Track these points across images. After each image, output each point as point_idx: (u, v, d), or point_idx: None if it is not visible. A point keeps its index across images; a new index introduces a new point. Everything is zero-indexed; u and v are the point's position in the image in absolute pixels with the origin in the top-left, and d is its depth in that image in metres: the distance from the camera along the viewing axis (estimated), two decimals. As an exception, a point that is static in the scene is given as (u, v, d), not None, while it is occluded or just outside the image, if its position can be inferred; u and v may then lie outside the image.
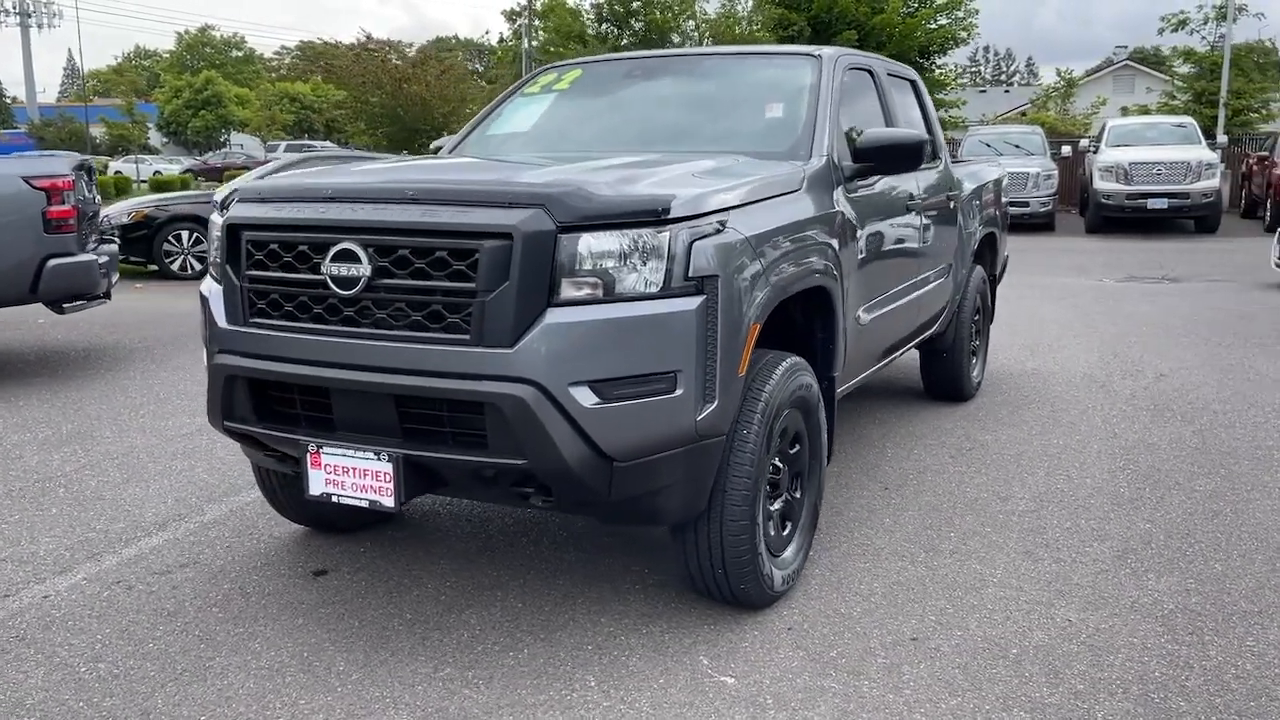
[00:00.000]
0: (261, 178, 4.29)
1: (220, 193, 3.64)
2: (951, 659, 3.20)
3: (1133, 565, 3.89)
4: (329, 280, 3.08)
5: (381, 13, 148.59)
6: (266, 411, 3.35)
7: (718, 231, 3.07)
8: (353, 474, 3.14)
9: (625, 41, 27.54)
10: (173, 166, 46.72)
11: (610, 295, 2.94)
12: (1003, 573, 3.84)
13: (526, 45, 39.44)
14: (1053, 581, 3.76)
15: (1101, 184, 19.21)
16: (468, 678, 3.11)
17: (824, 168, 3.96)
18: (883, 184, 4.48)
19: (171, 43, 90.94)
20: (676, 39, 27.95)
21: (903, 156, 4.14)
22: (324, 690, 3.05)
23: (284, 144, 50.18)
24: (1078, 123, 31.11)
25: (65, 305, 7.06)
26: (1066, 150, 22.36)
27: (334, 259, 3.07)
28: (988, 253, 6.63)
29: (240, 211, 3.32)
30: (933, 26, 26.56)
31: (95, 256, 7.09)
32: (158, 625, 3.47)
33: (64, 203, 6.79)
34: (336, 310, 3.12)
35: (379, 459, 3.09)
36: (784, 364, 3.45)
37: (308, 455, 3.20)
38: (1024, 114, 32.14)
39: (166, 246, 13.01)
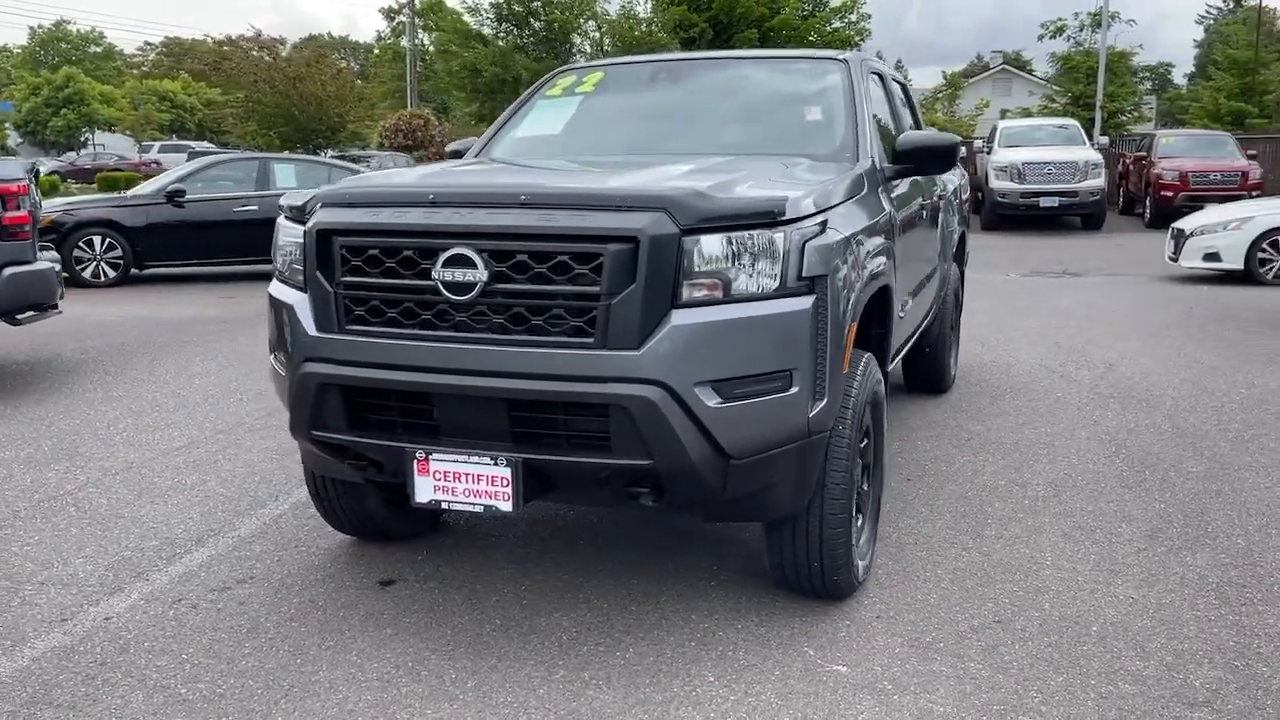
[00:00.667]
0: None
1: (289, 199, 3.52)
2: (1040, 639, 3.36)
3: (1166, 544, 4.13)
4: (440, 286, 3.05)
5: (243, 6, 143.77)
6: (361, 420, 3.30)
7: (821, 232, 3.16)
8: (466, 479, 3.12)
9: (525, 41, 27.44)
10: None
11: (728, 296, 2.99)
12: (1052, 555, 4.03)
13: (410, 44, 38.89)
14: (1101, 561, 3.96)
15: (997, 183, 20.04)
16: (585, 679, 3.13)
17: (872, 169, 4.08)
18: (905, 185, 4.64)
19: (23, 37, 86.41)
20: (577, 39, 28.01)
21: (939, 158, 4.30)
22: (445, 699, 3.03)
23: (158, 144, 48.36)
24: (963, 124, 32.37)
25: (19, 316, 6.72)
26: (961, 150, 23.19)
27: (446, 264, 3.04)
28: (962, 250, 6.90)
29: (330, 217, 3.26)
30: (830, 29, 27.28)
31: (51, 264, 6.77)
32: (242, 642, 3.38)
33: (19, 208, 6.48)
34: (447, 316, 3.09)
35: (497, 464, 3.08)
36: (864, 360, 3.56)
37: (414, 462, 3.17)
38: None
39: (77, 253, 12.46)
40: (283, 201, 3.65)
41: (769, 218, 3.04)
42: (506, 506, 3.10)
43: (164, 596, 3.72)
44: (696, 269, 2.96)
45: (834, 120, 4.36)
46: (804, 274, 3.06)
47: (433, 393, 3.14)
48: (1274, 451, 5.36)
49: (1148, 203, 20.69)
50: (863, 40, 27.94)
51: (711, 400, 2.96)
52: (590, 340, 2.96)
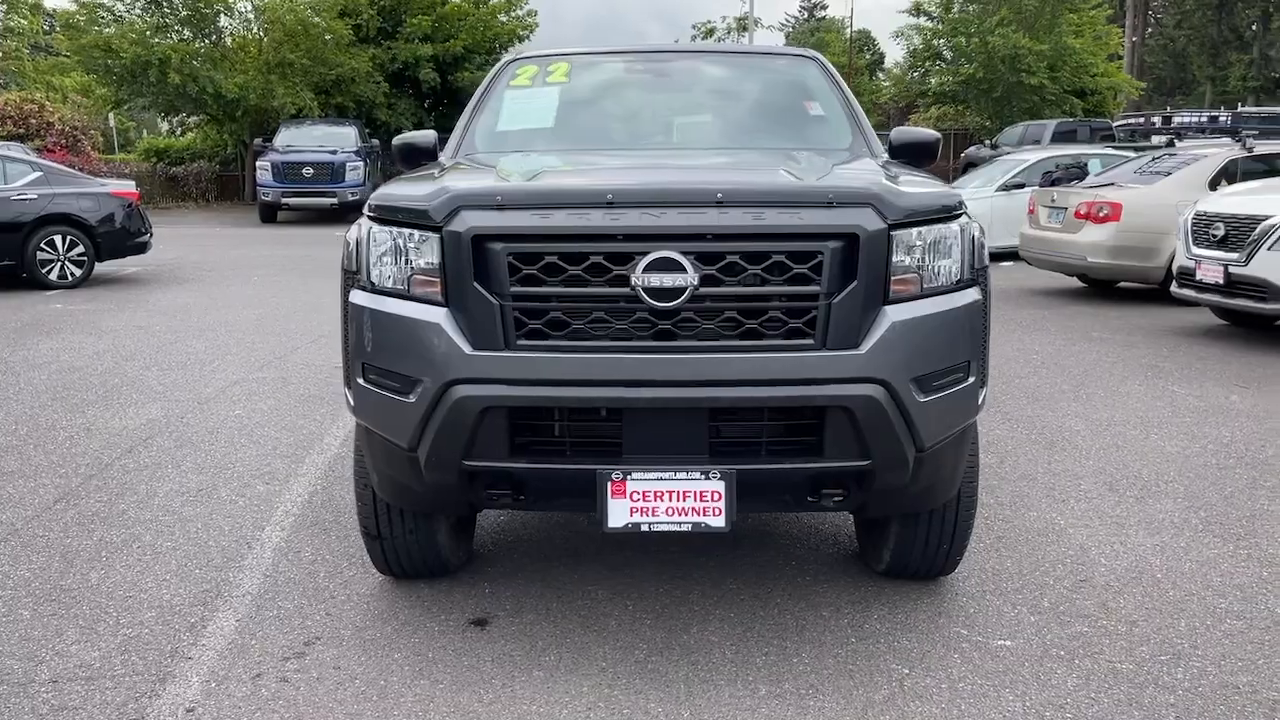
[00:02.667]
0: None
1: (384, 199, 3.04)
2: (1120, 586, 3.69)
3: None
4: (642, 292, 2.83)
5: None
6: (526, 445, 2.99)
7: (970, 224, 3.26)
8: (670, 498, 2.93)
9: (168, 21, 24.99)
10: None
11: (924, 290, 3.03)
12: (1067, 514, 4.41)
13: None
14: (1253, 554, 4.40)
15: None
16: (785, 691, 3.05)
17: (887, 164, 4.24)
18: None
19: None
20: (226, 21, 25.90)
21: (927, 153, 4.51)
22: (677, 734, 2.84)
23: None
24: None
25: None
26: None
27: (649, 269, 2.82)
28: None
29: (489, 221, 2.90)
30: (502, 20, 27.25)
31: None
32: (389, 711, 2.95)
33: None
34: (647, 324, 2.87)
35: (708, 478, 2.91)
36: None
37: (608, 485, 2.92)
38: None
39: None
40: (373, 200, 3.19)
41: (952, 212, 3.10)
42: (719, 522, 2.94)
43: (233, 676, 3.14)
44: (901, 264, 2.97)
45: (835, 115, 4.45)
46: (975, 265, 3.15)
47: (625, 408, 2.90)
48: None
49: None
50: (530, 34, 28.22)
51: (919, 396, 2.98)
52: (810, 341, 2.88)
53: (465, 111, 4.54)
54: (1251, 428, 5.84)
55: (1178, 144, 12.33)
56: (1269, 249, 7.90)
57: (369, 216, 3.18)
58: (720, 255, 2.85)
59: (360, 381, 3.17)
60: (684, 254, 2.83)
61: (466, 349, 2.90)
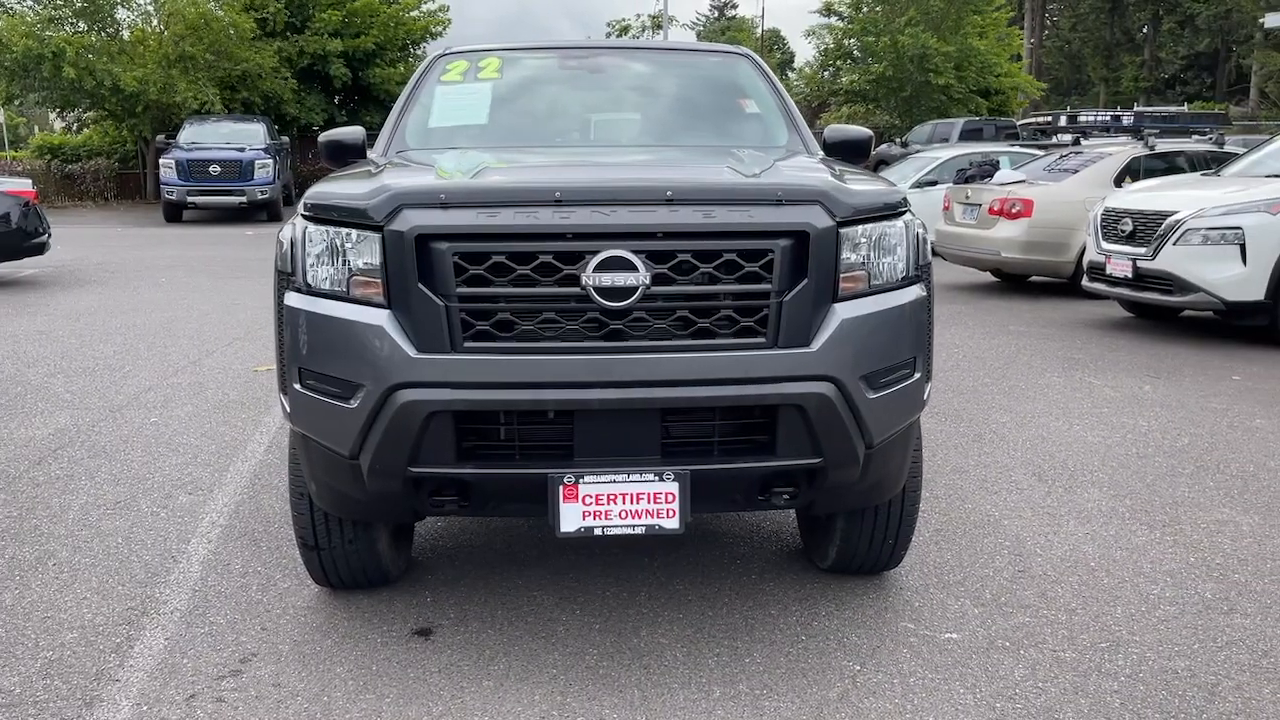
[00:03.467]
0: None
1: (318, 198, 2.92)
2: (1056, 575, 3.76)
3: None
4: (593, 292, 2.78)
5: None
6: (473, 450, 2.91)
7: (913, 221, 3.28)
8: (623, 500, 2.88)
9: (62, 13, 24.02)
10: None
11: (870, 288, 3.03)
12: (1000, 503, 4.48)
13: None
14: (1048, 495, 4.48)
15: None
16: (739, 692, 3.03)
17: (824, 161, 4.25)
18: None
19: None
20: (123, 13, 25.01)
21: (860, 151, 4.54)
22: (635, 740, 2.80)
23: None
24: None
25: None
26: None
27: (599, 268, 2.78)
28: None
29: (433, 220, 2.82)
30: (414, 16, 26.85)
31: None
32: (338, 727, 2.85)
33: None
34: (598, 324, 2.82)
35: (662, 479, 2.87)
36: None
37: (559, 489, 2.86)
38: None
39: None
40: (308, 199, 3.08)
41: (897, 209, 3.11)
42: (673, 524, 2.90)
43: (167, 698, 3.01)
44: (849, 262, 2.97)
45: (770, 113, 4.45)
46: (919, 262, 3.17)
47: (576, 410, 2.85)
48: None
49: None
50: (444, 30, 27.85)
51: (869, 392, 2.98)
52: (762, 340, 2.86)
53: (395, 107, 4.43)
54: (1166, 417, 6.02)
55: (1083, 142, 12.69)
56: (1174, 244, 8.16)
57: (304, 215, 3.07)
58: (671, 254, 2.82)
59: (297, 387, 3.06)
60: (635, 253, 2.79)
61: (411, 352, 2.82)
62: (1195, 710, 2.91)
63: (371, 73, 26.85)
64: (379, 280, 2.89)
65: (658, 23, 31.64)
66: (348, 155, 4.34)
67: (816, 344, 2.88)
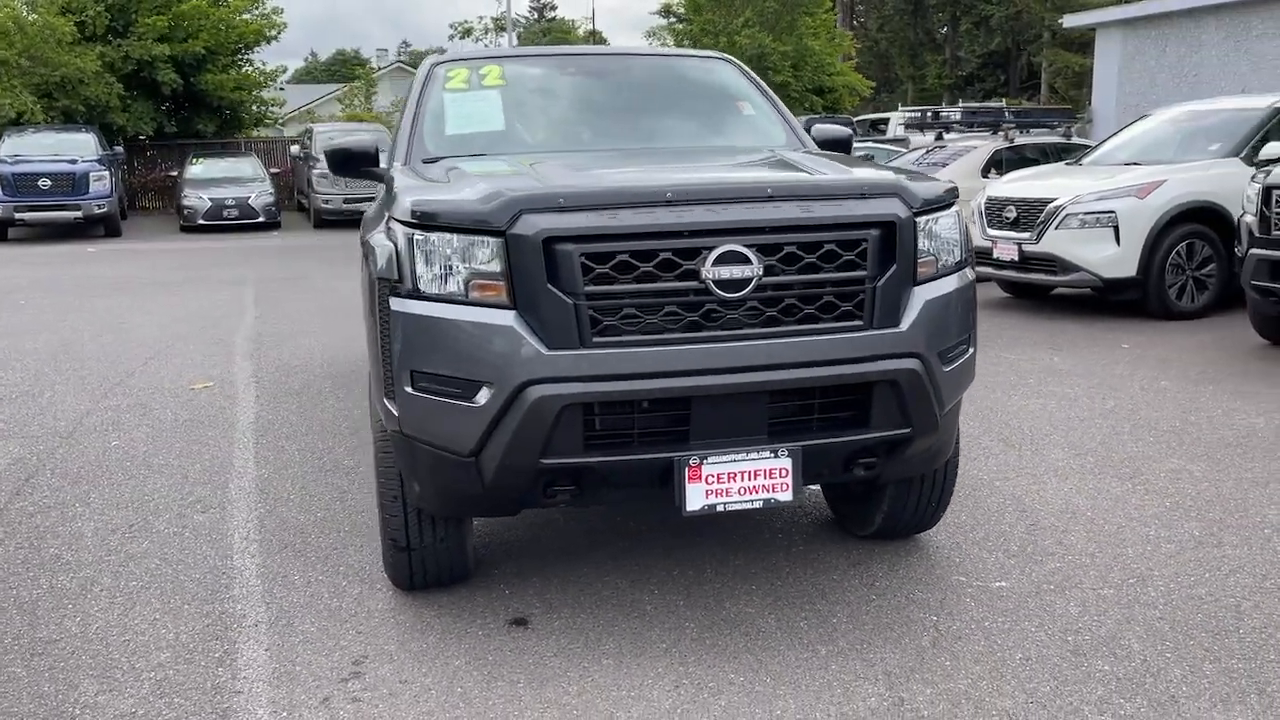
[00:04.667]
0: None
1: (424, 204, 2.96)
2: (1060, 523, 4.20)
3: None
4: (712, 284, 2.99)
5: None
6: (598, 440, 3.07)
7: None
8: (742, 478, 3.10)
9: None
10: None
11: (938, 271, 3.35)
12: (987, 462, 4.90)
13: None
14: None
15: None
16: (842, 648, 3.29)
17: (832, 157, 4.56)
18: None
19: None
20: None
21: (844, 147, 4.89)
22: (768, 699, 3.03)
23: None
24: (383, 119, 32.70)
25: None
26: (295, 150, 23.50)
27: (717, 262, 2.99)
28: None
29: (558, 223, 2.96)
30: (245, 18, 25.90)
31: None
32: (485, 714, 2.96)
33: None
34: (716, 315, 3.03)
35: (776, 456, 3.11)
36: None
37: (685, 470, 3.06)
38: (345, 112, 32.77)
39: None
40: (414, 207, 3.15)
41: (952, 200, 3.44)
42: (786, 496, 3.14)
43: (301, 700, 3.05)
44: (923, 249, 3.28)
45: (765, 113, 4.73)
46: (967, 248, 3.51)
47: (694, 396, 3.05)
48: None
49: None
50: (279, 34, 26.98)
51: (943, 366, 3.30)
52: (860, 322, 3.13)
53: (405, 116, 4.49)
54: (1085, 384, 6.63)
55: (945, 136, 13.54)
56: (1056, 228, 8.90)
57: (408, 223, 3.14)
58: (779, 246, 3.05)
59: (408, 390, 3.14)
60: (747, 246, 3.01)
61: (542, 349, 2.95)
62: (1232, 626, 3.35)
63: (204, 78, 25.77)
64: (502, 283, 3.01)
65: (500, 25, 31.62)
66: (361, 165, 4.39)
67: (904, 324, 3.17)
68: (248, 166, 23.27)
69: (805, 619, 3.48)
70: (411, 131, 4.37)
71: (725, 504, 3.10)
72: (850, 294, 3.13)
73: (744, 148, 4.39)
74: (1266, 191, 7.03)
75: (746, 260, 3.00)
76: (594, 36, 53.61)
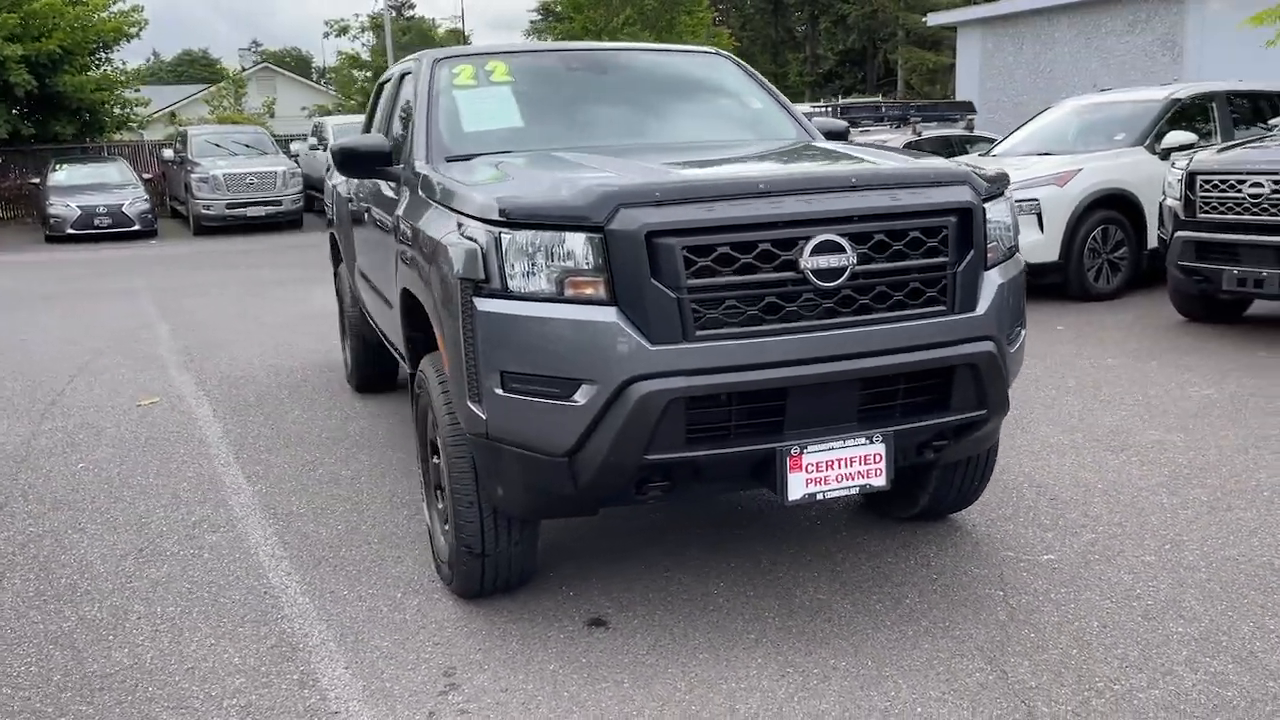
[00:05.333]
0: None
1: (513, 201, 2.86)
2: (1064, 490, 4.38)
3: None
4: (809, 274, 3.02)
5: None
6: (700, 432, 3.06)
7: (992, 199, 3.73)
8: (839, 465, 3.13)
9: None
10: None
11: (1000, 257, 3.46)
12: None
13: None
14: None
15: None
16: (927, 627, 3.36)
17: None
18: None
19: None
20: None
21: (843, 138, 4.98)
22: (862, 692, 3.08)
23: None
24: (255, 119, 31.58)
25: None
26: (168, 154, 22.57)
27: (815, 251, 3.02)
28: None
29: (658, 217, 2.94)
30: (103, 16, 24.64)
31: None
32: (602, 715, 2.92)
33: None
34: (813, 304, 3.06)
35: (871, 442, 3.15)
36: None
37: (787, 460, 3.08)
38: (213, 114, 31.34)
39: None
40: (503, 205, 3.07)
41: (1004, 188, 3.55)
42: (880, 481, 3.19)
43: (406, 715, 2.95)
44: (990, 235, 3.37)
45: (772, 108, 4.78)
46: (1015, 235, 3.62)
47: (791, 386, 3.07)
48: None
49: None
50: (140, 31, 25.74)
51: (1009, 348, 3.41)
52: (943, 308, 3.21)
53: (418, 113, 4.36)
54: (1039, 364, 6.90)
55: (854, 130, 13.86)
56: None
57: (495, 221, 3.07)
58: (869, 235, 3.10)
59: (498, 392, 3.07)
60: (841, 235, 3.04)
61: (646, 345, 2.93)
62: (1275, 584, 3.55)
63: (61, 80, 24.39)
64: (601, 278, 2.97)
65: (377, 23, 30.89)
66: (373, 164, 4.28)
67: (980, 308, 3.26)
68: (115, 172, 22.12)
69: (878, 601, 3.54)
70: (428, 129, 4.25)
71: (824, 492, 3.13)
72: (934, 280, 3.19)
73: (771, 140, 4.43)
74: (1190, 177, 7.44)
75: (841, 249, 3.03)
76: (461, 38, 52.96)
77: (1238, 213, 7.15)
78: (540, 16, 30.70)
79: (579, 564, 3.90)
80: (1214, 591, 3.51)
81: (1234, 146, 7.84)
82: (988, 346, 3.25)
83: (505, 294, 3.04)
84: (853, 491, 3.17)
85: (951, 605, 3.49)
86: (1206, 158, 7.52)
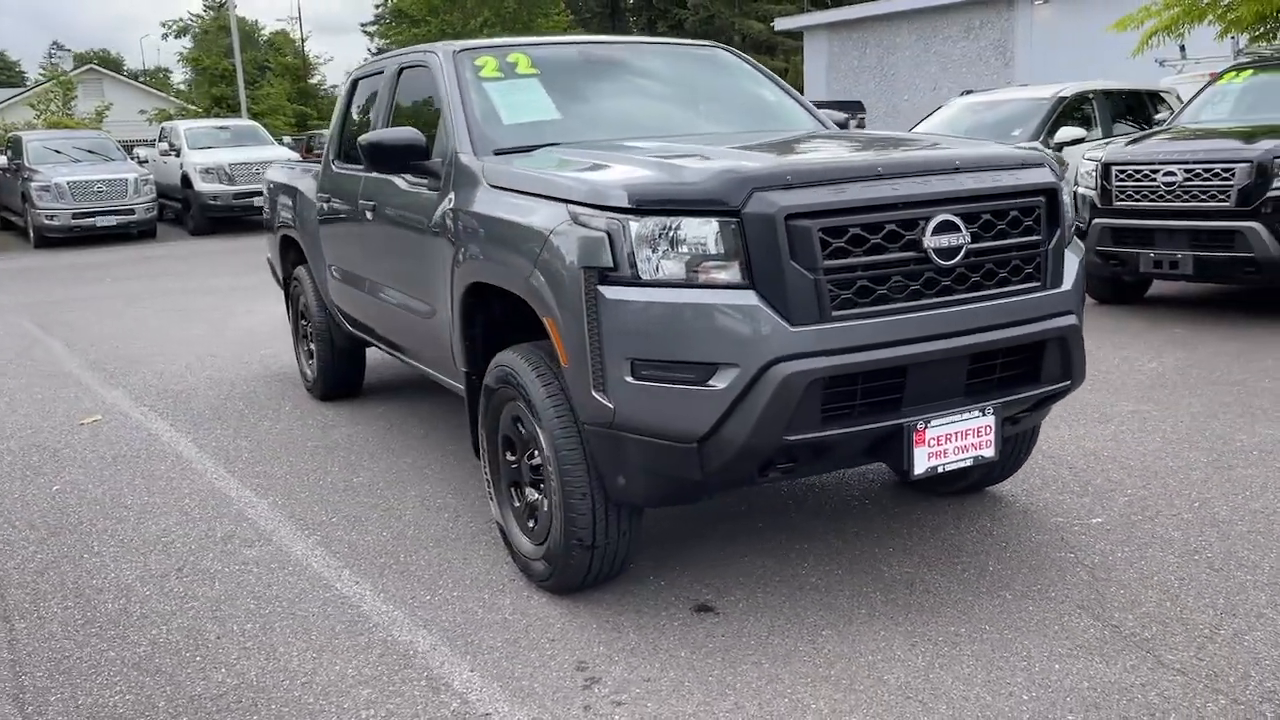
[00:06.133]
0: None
1: (639, 189, 2.80)
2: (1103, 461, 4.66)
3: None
4: (931, 253, 3.12)
5: None
6: (832, 411, 3.12)
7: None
8: (956, 438, 3.24)
9: None
10: None
11: (1069, 236, 3.65)
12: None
13: None
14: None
15: (205, 185, 19.60)
16: (1025, 590, 3.52)
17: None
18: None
19: None
20: None
21: (845, 127, 5.11)
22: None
23: None
24: (88, 124, 29.63)
25: None
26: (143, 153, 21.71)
27: (935, 231, 3.12)
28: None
29: (795, 200, 2.98)
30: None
31: None
32: (759, 694, 2.96)
33: None
34: (933, 281, 3.16)
35: (984, 414, 3.28)
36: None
37: (912, 435, 3.17)
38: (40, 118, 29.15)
39: None
40: (631, 191, 3.05)
41: (1063, 174, 3.74)
42: (990, 452, 3.31)
43: (560, 713, 2.91)
44: (1065, 215, 3.56)
45: (784, 99, 4.88)
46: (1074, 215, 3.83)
47: (915, 363, 3.16)
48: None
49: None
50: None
51: (1083, 322, 3.60)
52: (1039, 284, 3.37)
53: (451, 107, 4.26)
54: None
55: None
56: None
57: (620, 209, 3.04)
58: (978, 215, 3.22)
59: (629, 380, 3.05)
60: (956, 215, 3.16)
61: (787, 326, 2.97)
62: (1309, 531, 3.87)
63: None
64: (736, 262, 2.99)
65: (221, 24, 29.60)
66: (409, 159, 4.18)
67: (1066, 283, 3.43)
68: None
69: (964, 571, 3.67)
70: (468, 122, 4.16)
71: (944, 465, 3.23)
72: (1030, 257, 3.34)
73: (800, 128, 4.52)
74: (1105, 167, 7.95)
75: (957, 228, 3.14)
76: (303, 40, 51.34)
77: (1153, 200, 7.68)
78: (378, 21, 30.02)
79: (657, 553, 3.89)
80: (1260, 542, 3.79)
81: (1145, 138, 8.41)
82: (1073, 320, 3.42)
83: (635, 281, 3.02)
84: (966, 463, 3.28)
85: (1032, 570, 3.65)
86: (1121, 149, 8.05)
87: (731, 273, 2.99)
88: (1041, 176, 3.40)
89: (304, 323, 6.61)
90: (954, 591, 3.52)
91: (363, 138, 4.21)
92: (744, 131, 4.47)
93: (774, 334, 2.95)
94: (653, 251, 3.01)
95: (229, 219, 19.98)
